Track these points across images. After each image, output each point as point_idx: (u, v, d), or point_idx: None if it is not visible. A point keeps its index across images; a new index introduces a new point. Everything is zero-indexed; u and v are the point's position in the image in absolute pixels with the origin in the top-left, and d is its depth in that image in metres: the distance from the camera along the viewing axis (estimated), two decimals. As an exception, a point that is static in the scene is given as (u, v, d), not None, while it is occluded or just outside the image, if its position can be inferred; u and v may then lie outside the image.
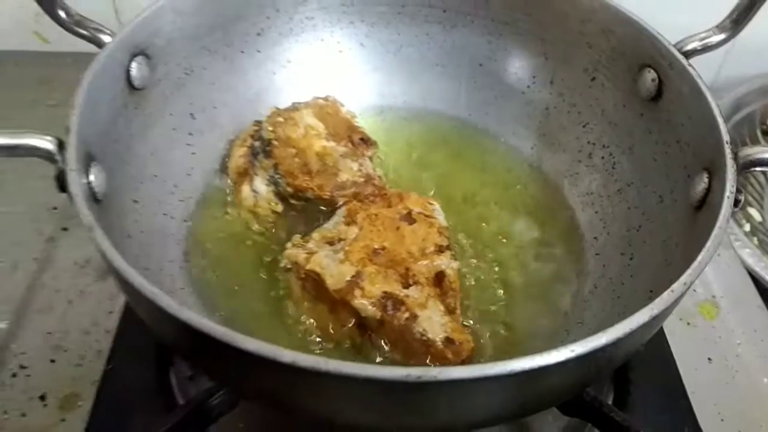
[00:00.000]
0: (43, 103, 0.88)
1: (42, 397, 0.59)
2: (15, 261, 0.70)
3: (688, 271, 0.39)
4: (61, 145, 0.45)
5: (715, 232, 0.42)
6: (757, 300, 0.71)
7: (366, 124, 0.70)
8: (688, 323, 0.68)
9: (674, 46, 0.56)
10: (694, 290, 0.71)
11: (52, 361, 0.62)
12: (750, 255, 0.77)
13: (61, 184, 0.47)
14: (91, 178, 0.47)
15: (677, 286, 0.39)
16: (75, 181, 0.43)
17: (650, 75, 0.58)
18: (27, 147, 0.45)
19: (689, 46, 0.57)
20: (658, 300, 0.38)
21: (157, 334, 0.44)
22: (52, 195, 0.76)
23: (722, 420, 0.60)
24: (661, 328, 0.65)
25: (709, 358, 0.65)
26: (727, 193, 0.44)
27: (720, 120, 0.49)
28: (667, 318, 0.43)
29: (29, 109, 0.87)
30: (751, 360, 0.65)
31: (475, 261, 0.61)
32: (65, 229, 0.74)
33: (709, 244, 0.41)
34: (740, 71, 1.02)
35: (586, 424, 0.58)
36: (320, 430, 0.58)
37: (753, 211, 0.90)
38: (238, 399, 0.55)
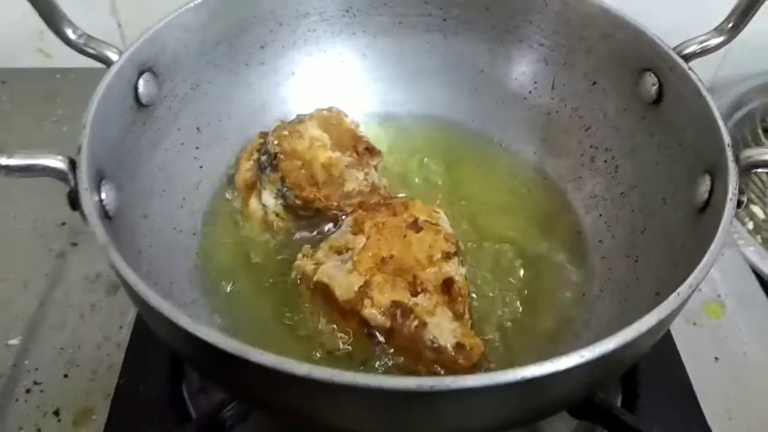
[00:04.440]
0: (48, 119, 0.89)
1: (56, 413, 0.60)
2: (26, 278, 0.71)
3: (693, 274, 0.40)
4: (72, 164, 0.46)
5: (719, 234, 0.42)
6: (762, 298, 0.71)
7: (369, 132, 0.71)
8: (694, 323, 0.68)
9: (673, 49, 0.57)
10: (700, 290, 0.70)
11: (65, 376, 0.63)
12: (754, 253, 0.77)
13: (73, 202, 0.48)
14: (103, 195, 0.48)
15: (683, 289, 0.39)
16: (88, 200, 0.44)
17: (651, 79, 0.59)
18: (40, 167, 0.45)
19: (688, 50, 0.57)
20: (664, 304, 0.39)
21: (173, 349, 0.45)
22: (59, 210, 0.78)
23: (730, 418, 0.60)
24: (668, 329, 0.65)
25: (716, 358, 0.65)
26: (730, 196, 0.45)
27: (721, 123, 0.50)
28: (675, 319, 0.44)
29: (34, 125, 0.88)
30: (759, 358, 0.65)
31: (480, 266, 0.61)
32: (74, 244, 0.74)
33: (713, 246, 0.41)
34: (740, 69, 1.02)
35: (596, 427, 0.58)
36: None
37: (756, 209, 0.91)
38: (251, 410, 0.55)
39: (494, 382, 0.34)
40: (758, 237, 0.85)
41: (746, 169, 0.48)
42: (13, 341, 0.65)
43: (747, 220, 0.88)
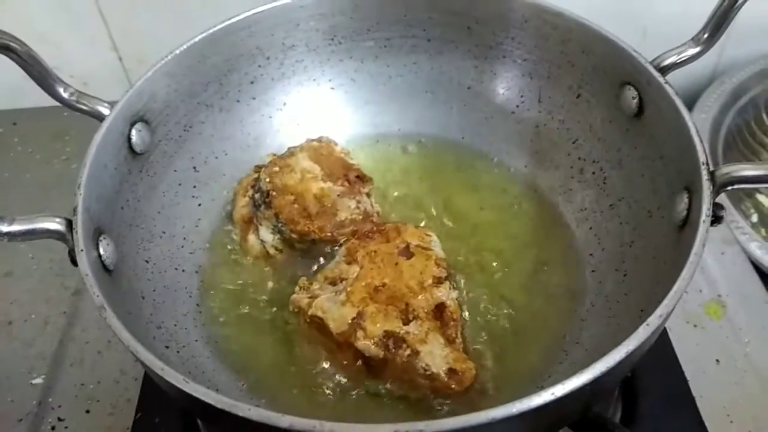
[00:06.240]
0: (58, 157, 0.93)
1: (80, 448, 0.64)
2: (46, 317, 0.75)
3: (663, 303, 0.41)
4: (70, 225, 0.49)
5: (691, 259, 0.43)
6: (765, 296, 0.71)
7: (362, 154, 0.73)
8: (695, 325, 0.69)
9: (651, 62, 0.57)
10: (700, 290, 0.71)
11: (87, 412, 0.66)
12: (758, 248, 0.76)
13: (74, 260, 0.51)
14: (102, 251, 0.51)
15: (653, 320, 0.40)
16: (85, 262, 0.46)
17: (631, 92, 0.59)
18: (39, 231, 0.48)
19: (667, 61, 0.57)
20: (631, 337, 0.39)
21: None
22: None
23: (731, 422, 0.61)
24: (666, 334, 0.66)
25: (717, 360, 0.66)
26: (703, 217, 0.45)
27: (697, 139, 0.50)
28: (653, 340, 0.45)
29: (44, 164, 0.92)
30: (760, 359, 0.65)
31: (473, 284, 0.63)
32: (90, 281, 0.78)
33: (684, 273, 0.42)
34: (743, 53, 1.01)
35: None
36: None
37: (762, 198, 0.89)
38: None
39: (469, 423, 0.36)
40: (762, 231, 0.84)
41: (723, 187, 0.48)
42: (37, 380, 0.69)
43: (752, 212, 0.87)
